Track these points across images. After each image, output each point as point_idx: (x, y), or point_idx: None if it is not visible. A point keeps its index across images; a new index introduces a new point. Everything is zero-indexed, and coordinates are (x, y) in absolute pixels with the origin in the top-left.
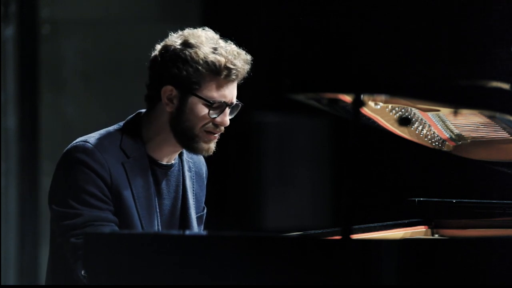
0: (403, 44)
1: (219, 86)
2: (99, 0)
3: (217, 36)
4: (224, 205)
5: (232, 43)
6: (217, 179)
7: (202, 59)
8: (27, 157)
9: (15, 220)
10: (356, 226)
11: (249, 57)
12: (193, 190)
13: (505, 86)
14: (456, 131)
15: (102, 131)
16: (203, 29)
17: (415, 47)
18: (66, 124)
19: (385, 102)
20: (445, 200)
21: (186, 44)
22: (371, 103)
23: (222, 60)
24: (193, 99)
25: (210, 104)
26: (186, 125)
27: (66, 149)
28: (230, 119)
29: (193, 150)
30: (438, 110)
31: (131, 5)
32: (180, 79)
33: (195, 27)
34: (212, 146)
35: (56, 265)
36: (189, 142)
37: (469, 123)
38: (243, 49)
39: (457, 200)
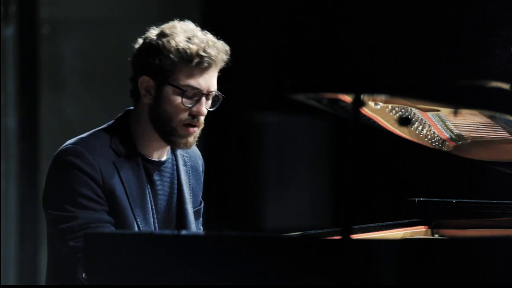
0: (403, 44)
1: (192, 74)
2: (99, 0)
3: (197, 28)
4: (224, 205)
5: (210, 34)
6: (217, 179)
7: (173, 47)
8: (27, 157)
9: (15, 220)
10: (356, 226)
11: (227, 47)
12: (190, 185)
13: (505, 86)
14: (456, 131)
15: (92, 132)
16: (184, 21)
17: (415, 47)
18: (66, 124)
19: (385, 102)
20: (445, 200)
21: (161, 34)
22: (371, 103)
23: (194, 47)
24: (168, 88)
25: (183, 91)
26: (164, 116)
27: (56, 152)
28: (212, 111)
29: (172, 143)
30: (438, 110)
31: (131, 5)
32: (154, 68)
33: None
34: (191, 140)
35: (56, 268)
36: (168, 135)
37: (469, 123)
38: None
39: (457, 200)
